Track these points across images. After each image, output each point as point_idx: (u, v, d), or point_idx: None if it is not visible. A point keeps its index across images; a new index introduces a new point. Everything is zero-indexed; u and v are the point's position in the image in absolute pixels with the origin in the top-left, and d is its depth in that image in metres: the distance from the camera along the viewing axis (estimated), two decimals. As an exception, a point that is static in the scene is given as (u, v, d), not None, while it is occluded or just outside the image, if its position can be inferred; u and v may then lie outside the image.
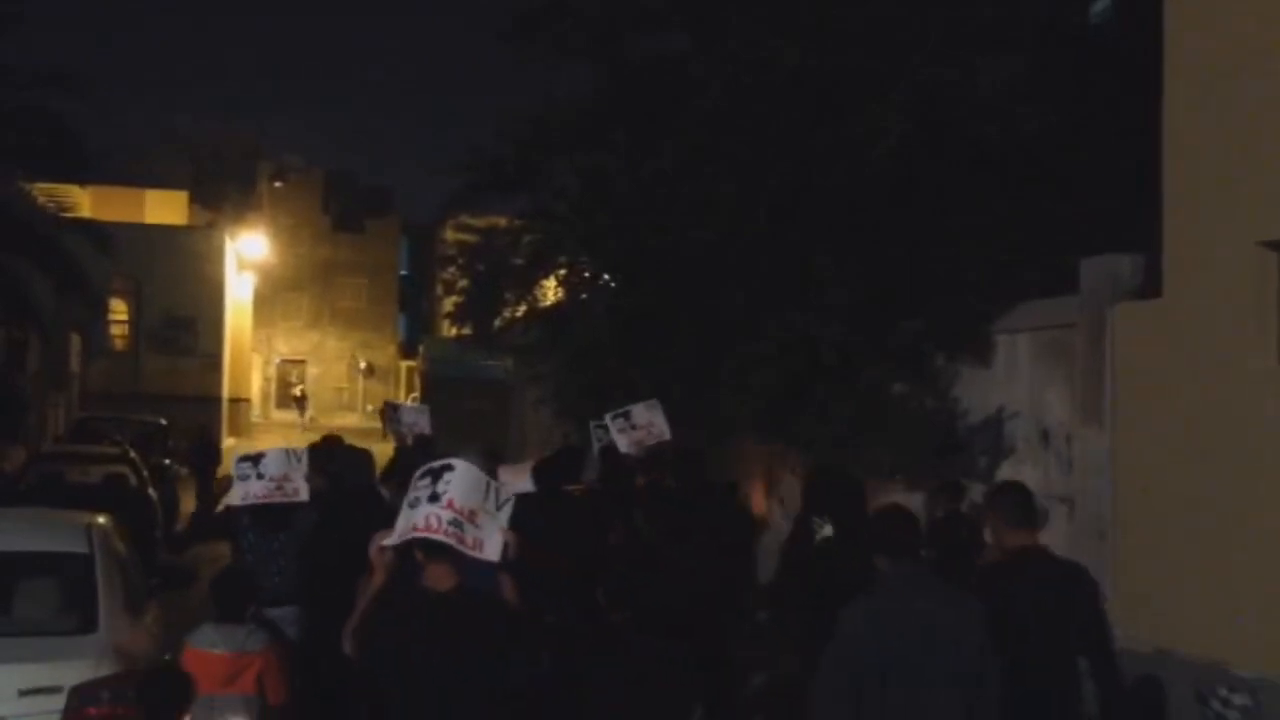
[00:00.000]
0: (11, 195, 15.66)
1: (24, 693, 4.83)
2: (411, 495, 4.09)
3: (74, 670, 4.97)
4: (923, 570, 4.30)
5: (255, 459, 7.07)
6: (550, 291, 14.14)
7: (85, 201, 22.76)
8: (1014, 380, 8.03)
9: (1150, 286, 6.82)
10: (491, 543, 3.95)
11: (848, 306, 8.54)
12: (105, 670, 5.03)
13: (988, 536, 5.27)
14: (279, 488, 6.89)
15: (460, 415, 24.43)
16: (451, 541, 3.89)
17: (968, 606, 4.18)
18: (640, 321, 10.97)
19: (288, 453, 7.29)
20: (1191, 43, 6.35)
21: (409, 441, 10.76)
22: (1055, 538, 7.51)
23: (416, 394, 39.22)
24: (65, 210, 17.16)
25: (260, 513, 6.85)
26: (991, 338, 8.20)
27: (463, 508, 3.93)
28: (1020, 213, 8.22)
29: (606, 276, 12.59)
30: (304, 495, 6.94)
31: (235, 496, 7.04)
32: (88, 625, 5.39)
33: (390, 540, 4.14)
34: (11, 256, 15.10)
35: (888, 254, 8.61)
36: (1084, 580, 4.69)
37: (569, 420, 13.69)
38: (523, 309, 14.21)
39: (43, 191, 16.78)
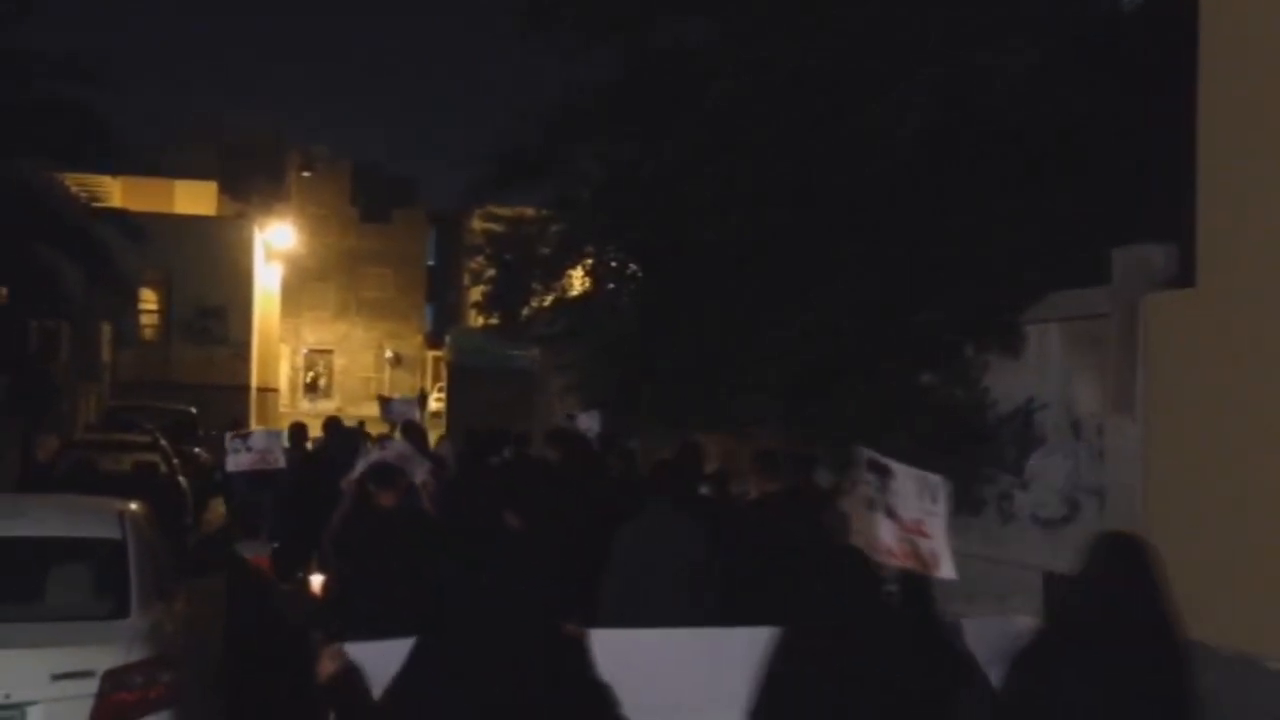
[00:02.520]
0: (44, 185, 15.80)
1: (57, 677, 4.87)
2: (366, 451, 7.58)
3: (106, 655, 5.01)
4: (666, 506, 6.05)
5: (245, 437, 9.80)
6: (577, 281, 14.16)
7: (116, 192, 22.99)
8: (1044, 371, 7.97)
9: (1183, 276, 6.75)
10: (420, 471, 7.04)
11: (871, 294, 8.49)
12: (137, 655, 5.07)
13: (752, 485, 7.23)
14: (262, 458, 9.34)
15: (486, 405, 24.49)
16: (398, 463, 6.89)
17: (696, 529, 5.95)
18: (662, 309, 10.97)
19: (269, 432, 10.21)
20: (1227, 26, 6.27)
21: (398, 427, 13.30)
22: (1086, 529, 7.46)
23: (443, 384, 39.32)
24: (96, 200, 17.36)
25: (250, 477, 9.31)
26: (1021, 328, 8.14)
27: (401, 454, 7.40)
28: (1049, 200, 8.15)
29: (634, 267, 12.58)
30: (282, 463, 9.43)
31: (229, 465, 9.53)
32: (120, 610, 5.43)
33: (353, 476, 6.75)
34: (44, 246, 15.24)
35: (912, 242, 8.56)
36: (809, 514, 6.55)
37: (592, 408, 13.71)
38: (550, 299, 14.23)
39: (74, 182, 16.95)
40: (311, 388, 47.56)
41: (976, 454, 8.26)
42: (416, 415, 14.85)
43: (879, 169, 8.48)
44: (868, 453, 4.26)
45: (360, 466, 7.09)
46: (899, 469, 4.08)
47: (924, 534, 3.92)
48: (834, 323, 8.58)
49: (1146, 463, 6.83)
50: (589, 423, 11.60)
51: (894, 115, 8.10)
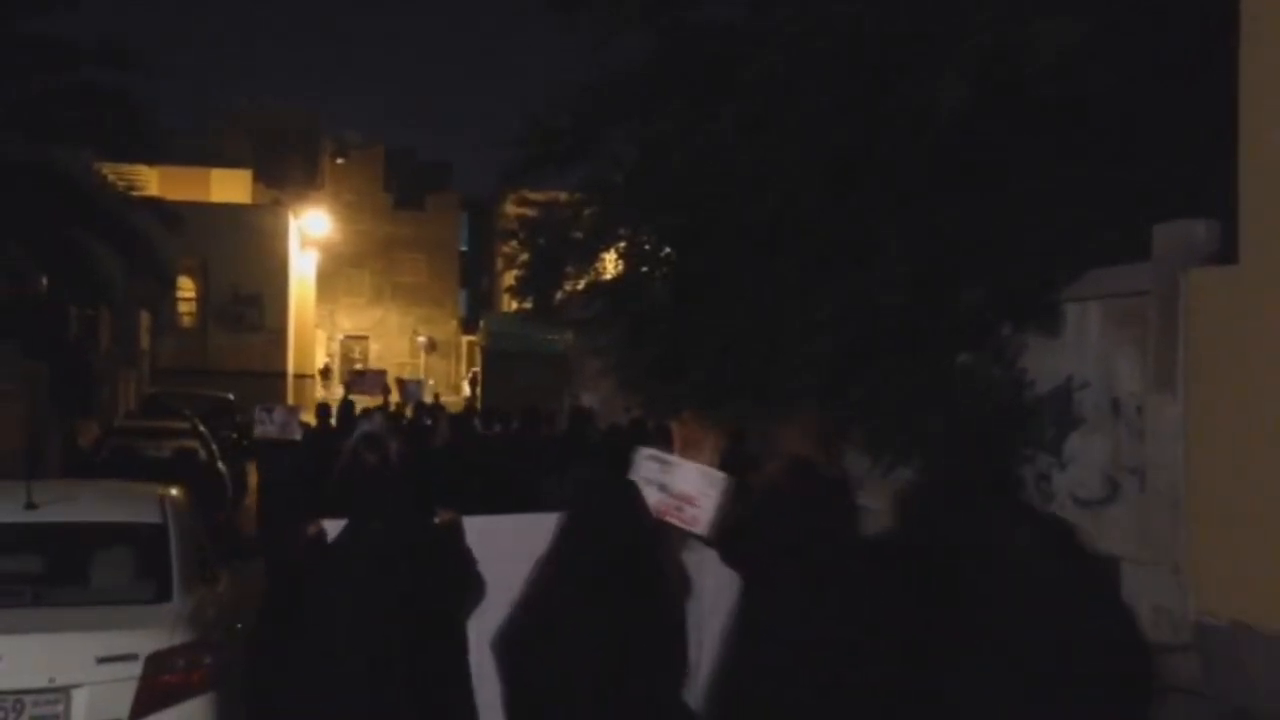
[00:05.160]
0: (83, 174, 15.95)
1: (101, 660, 4.91)
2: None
3: (150, 638, 5.04)
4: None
5: (270, 409, 11.51)
6: (611, 264, 14.13)
7: (153, 180, 23.19)
8: (1083, 349, 7.88)
9: (1225, 252, 6.65)
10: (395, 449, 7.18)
11: (909, 273, 8.43)
12: (180, 638, 5.11)
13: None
14: (282, 430, 10.99)
15: (520, 389, 24.53)
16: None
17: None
18: (697, 291, 10.93)
19: (289, 407, 12.16)
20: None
21: (411, 406, 16.02)
22: (1126, 509, 7.39)
23: (477, 368, 39.48)
24: (135, 189, 17.50)
25: (271, 444, 10.76)
26: (1060, 306, 8.05)
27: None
28: (1089, 177, 8.04)
29: (668, 250, 12.54)
30: (298, 436, 11.05)
31: (255, 433, 11.27)
32: (163, 594, 5.47)
33: (350, 442, 7.30)
34: (84, 235, 15.40)
35: (950, 220, 8.48)
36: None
37: (629, 392, 13.70)
38: (584, 282, 14.21)
39: (113, 171, 17.10)
40: (325, 374, 47.29)
41: (1015, 434, 8.19)
42: (423, 395, 20.35)
43: (918, 146, 8.40)
44: (650, 451, 5.61)
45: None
46: (682, 465, 5.46)
47: (693, 503, 5.22)
48: (872, 302, 8.52)
49: (1187, 441, 6.75)
50: (590, 401, 14.57)
51: (933, 91, 8.01)
